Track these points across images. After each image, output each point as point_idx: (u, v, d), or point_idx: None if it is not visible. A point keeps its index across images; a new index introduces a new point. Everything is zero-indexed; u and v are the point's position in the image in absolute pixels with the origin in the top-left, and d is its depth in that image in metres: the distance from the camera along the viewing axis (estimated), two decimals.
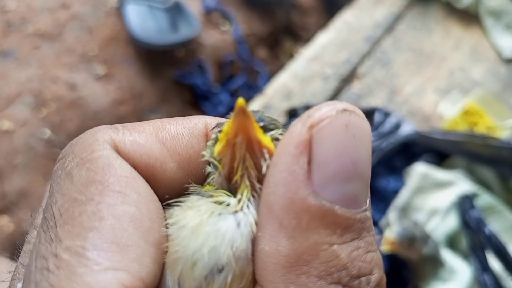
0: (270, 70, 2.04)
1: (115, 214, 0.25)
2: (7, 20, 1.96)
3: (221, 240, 0.26)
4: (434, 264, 1.04)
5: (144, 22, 1.87)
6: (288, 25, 2.25)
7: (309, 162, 0.23)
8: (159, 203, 0.29)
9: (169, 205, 0.29)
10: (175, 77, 1.94)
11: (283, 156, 0.24)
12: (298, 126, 0.24)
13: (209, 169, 0.31)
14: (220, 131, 0.29)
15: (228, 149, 0.28)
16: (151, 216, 0.27)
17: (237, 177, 0.28)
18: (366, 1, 1.57)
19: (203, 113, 1.95)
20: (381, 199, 1.12)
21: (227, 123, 0.28)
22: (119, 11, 1.97)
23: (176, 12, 1.91)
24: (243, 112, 0.26)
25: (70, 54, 1.91)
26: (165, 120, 0.32)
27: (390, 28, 1.50)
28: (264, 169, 0.27)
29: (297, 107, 1.20)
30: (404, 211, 1.10)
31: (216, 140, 0.29)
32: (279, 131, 0.30)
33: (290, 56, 2.12)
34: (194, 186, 0.31)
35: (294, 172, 0.23)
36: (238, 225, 0.26)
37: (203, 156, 0.31)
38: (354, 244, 0.24)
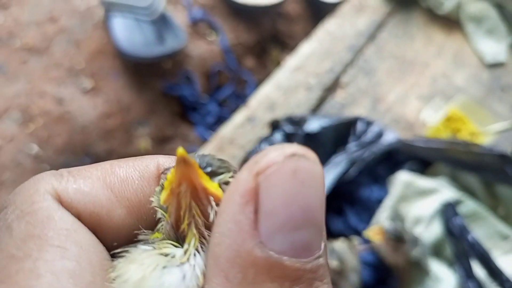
0: (258, 79, 2.04)
1: (53, 271, 0.24)
2: None
3: None
4: (420, 271, 1.05)
5: (130, 34, 1.87)
6: (274, 34, 2.26)
7: (256, 212, 0.22)
8: (104, 254, 0.28)
9: (116, 255, 0.28)
10: (162, 89, 1.94)
11: (229, 205, 0.23)
12: (245, 173, 0.23)
13: (159, 214, 0.30)
14: (165, 179, 0.28)
15: (173, 198, 0.27)
16: (93, 269, 0.26)
17: (184, 226, 0.27)
18: (348, 9, 1.57)
19: (192, 123, 1.96)
20: (365, 208, 1.12)
21: (171, 171, 0.27)
22: (105, 24, 1.97)
23: (162, 24, 1.92)
24: (184, 161, 0.25)
25: (58, 68, 1.91)
26: (115, 162, 0.31)
27: (372, 36, 1.51)
28: (211, 216, 0.27)
29: (280, 119, 1.21)
30: (389, 220, 1.10)
31: (163, 186, 0.28)
32: (229, 174, 0.28)
33: (278, 64, 2.12)
34: (144, 232, 0.30)
35: (240, 223, 0.22)
36: (184, 277, 0.25)
37: (151, 202, 0.30)
38: None
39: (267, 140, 1.14)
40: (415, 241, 1.02)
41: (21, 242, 0.25)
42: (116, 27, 1.87)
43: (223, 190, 0.27)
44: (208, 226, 0.27)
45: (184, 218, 0.27)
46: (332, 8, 1.64)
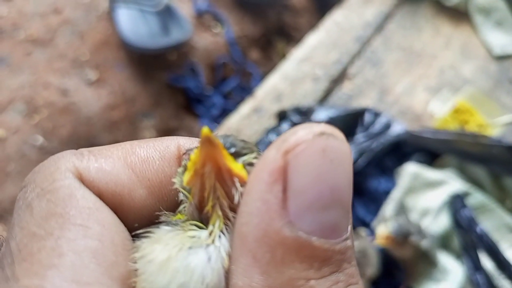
0: (263, 72, 2.03)
1: (76, 250, 0.24)
2: None
3: (190, 276, 0.24)
4: (427, 263, 1.04)
5: (135, 26, 1.86)
6: (280, 26, 2.25)
7: (284, 191, 0.22)
8: (126, 234, 0.27)
9: (138, 235, 0.28)
10: (167, 80, 1.93)
11: (256, 184, 0.23)
12: (273, 151, 0.22)
13: (181, 196, 0.29)
14: (190, 158, 0.28)
15: (197, 179, 0.27)
16: (116, 249, 0.25)
17: (208, 208, 0.27)
18: (355, 1, 1.56)
19: (196, 116, 1.95)
20: (372, 200, 1.12)
21: (195, 151, 0.27)
22: (110, 15, 1.96)
23: (167, 16, 1.91)
24: (209, 141, 0.25)
25: (62, 60, 1.90)
26: (135, 142, 0.30)
27: (380, 27, 1.50)
28: (236, 198, 0.26)
29: (287, 109, 1.20)
30: (397, 211, 1.10)
31: (186, 167, 0.28)
32: (253, 155, 0.28)
33: (283, 56, 2.11)
34: (165, 214, 0.29)
35: (268, 201, 0.22)
36: (209, 259, 0.25)
37: (173, 183, 0.29)
38: (333, 278, 0.22)
39: (274, 130, 1.14)
40: (422, 232, 1.01)
41: (42, 221, 0.25)
42: (121, 18, 1.87)
43: (247, 172, 0.27)
44: (233, 208, 0.26)
45: (208, 200, 0.27)
46: (337, 1, 1.63)
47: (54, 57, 1.91)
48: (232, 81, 2.02)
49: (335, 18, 1.52)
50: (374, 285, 1.02)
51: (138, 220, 0.29)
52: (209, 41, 2.05)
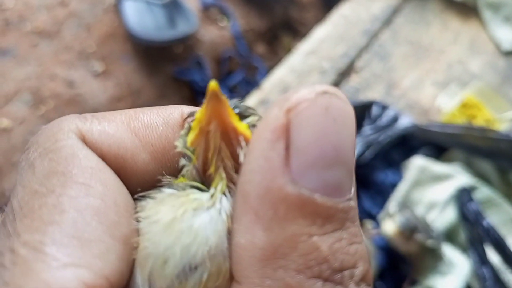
0: (269, 66, 2.03)
1: (78, 207, 0.24)
2: (5, 18, 1.96)
3: (193, 237, 0.24)
4: (433, 257, 1.04)
5: (141, 18, 1.86)
6: (286, 20, 2.24)
7: (287, 148, 0.22)
8: (129, 196, 0.27)
9: (140, 198, 0.27)
10: (173, 73, 1.94)
11: (259, 142, 0.23)
12: (275, 110, 0.22)
13: (183, 161, 0.29)
14: (193, 120, 0.27)
15: (202, 138, 0.26)
16: (118, 209, 0.25)
17: (211, 170, 0.27)
18: None
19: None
20: (379, 192, 1.11)
21: (200, 110, 0.26)
22: (116, 7, 1.96)
23: (173, 8, 1.91)
24: (216, 96, 0.24)
25: (68, 52, 1.90)
26: (139, 109, 0.30)
27: (388, 21, 1.50)
28: (241, 158, 0.26)
29: None
30: (403, 204, 1.09)
31: (189, 129, 0.28)
32: (256, 117, 0.28)
33: (289, 51, 2.10)
34: (167, 178, 0.29)
35: (271, 159, 0.22)
36: (212, 220, 0.25)
37: (176, 147, 0.29)
38: (336, 235, 0.22)
39: None
40: (428, 230, 1.01)
41: (44, 178, 0.25)
42: (127, 11, 1.87)
43: (252, 133, 0.26)
44: (237, 170, 0.26)
45: (212, 161, 0.26)
46: None
47: (60, 49, 1.91)
48: (237, 75, 2.01)
49: (342, 12, 1.51)
50: (380, 278, 1.02)
51: (140, 184, 0.28)
52: (215, 35, 2.05)
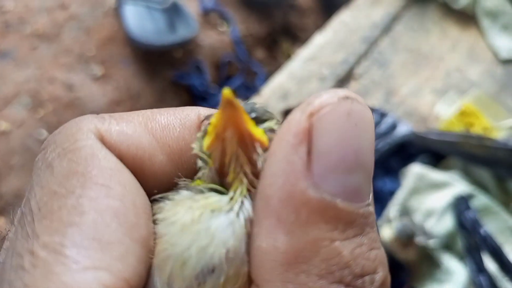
0: (268, 71, 2.04)
1: (98, 209, 0.24)
2: (5, 20, 1.96)
3: (211, 239, 0.24)
4: (431, 264, 1.04)
5: (141, 22, 1.87)
6: (285, 26, 2.25)
7: (309, 152, 0.22)
8: (146, 198, 0.27)
9: (157, 200, 0.27)
10: (172, 77, 1.94)
11: (281, 145, 0.23)
12: (297, 114, 0.23)
13: (199, 163, 0.29)
14: (209, 124, 0.27)
15: (218, 143, 0.26)
16: (137, 211, 0.25)
17: (230, 175, 0.27)
18: (363, 1, 1.56)
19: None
20: (377, 200, 1.12)
21: (215, 115, 0.26)
22: (117, 11, 1.97)
23: (174, 13, 1.91)
24: (231, 104, 0.24)
25: (68, 55, 1.90)
26: (156, 110, 0.30)
27: (387, 28, 1.50)
28: (259, 164, 0.26)
29: (293, 106, 1.20)
30: (401, 212, 1.10)
31: (206, 132, 0.28)
32: (273, 121, 0.28)
33: (288, 56, 2.11)
34: (184, 180, 0.29)
35: (293, 163, 0.22)
36: (231, 223, 0.25)
37: (192, 149, 0.29)
38: (357, 241, 0.22)
39: None
40: (427, 233, 1.01)
41: (63, 179, 0.25)
42: (127, 15, 1.87)
43: (268, 138, 0.26)
44: (256, 174, 0.26)
45: (230, 166, 0.26)
46: (343, 1, 1.63)
47: (60, 52, 1.91)
48: (236, 80, 2.02)
49: (342, 19, 1.52)
50: None
51: (157, 186, 0.28)
52: (215, 39, 2.05)
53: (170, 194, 0.27)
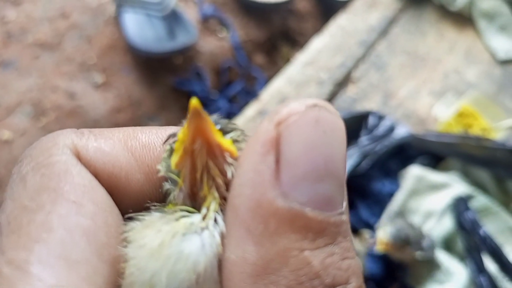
0: (268, 76, 2.04)
1: (67, 226, 0.23)
2: (7, 30, 1.98)
3: (183, 264, 0.23)
4: (431, 265, 1.05)
5: (141, 30, 1.88)
6: (285, 31, 2.26)
7: (277, 161, 0.21)
8: (119, 217, 0.27)
9: (129, 221, 0.26)
10: (173, 84, 1.95)
11: (249, 155, 0.22)
12: (265, 123, 0.22)
13: (166, 185, 0.28)
14: (174, 141, 0.26)
15: (187, 159, 0.25)
16: (109, 230, 0.25)
17: (204, 191, 0.26)
18: (360, 5, 1.57)
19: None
20: (376, 202, 1.12)
21: (182, 130, 0.26)
22: (117, 20, 1.99)
23: (173, 20, 1.93)
24: (198, 114, 0.24)
25: (69, 63, 1.92)
26: (138, 128, 0.30)
27: (384, 32, 1.51)
28: (229, 174, 0.25)
29: None
30: (400, 214, 1.10)
31: (171, 151, 0.27)
32: (238, 132, 0.27)
33: (288, 61, 2.12)
34: (156, 205, 0.28)
35: (261, 172, 0.21)
36: (203, 246, 0.24)
37: (158, 171, 0.28)
38: (328, 250, 0.22)
39: None
40: (420, 241, 1.01)
41: (35, 194, 0.24)
42: (127, 23, 1.89)
43: (236, 148, 0.26)
44: (227, 187, 0.25)
45: (202, 181, 0.26)
46: (342, 5, 1.64)
47: (61, 61, 1.93)
48: (237, 85, 2.03)
49: (339, 22, 1.53)
50: (377, 286, 1.02)
51: (132, 205, 0.28)
52: (215, 46, 2.07)
53: (142, 215, 0.26)
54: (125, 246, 0.25)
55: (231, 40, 2.09)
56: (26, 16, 2.03)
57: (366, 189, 1.13)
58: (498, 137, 1.24)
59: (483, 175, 1.17)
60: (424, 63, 1.46)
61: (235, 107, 1.97)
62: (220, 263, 0.24)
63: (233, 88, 2.02)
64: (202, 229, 0.24)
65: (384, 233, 1.00)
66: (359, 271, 0.23)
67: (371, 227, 1.09)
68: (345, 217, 0.23)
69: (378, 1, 1.57)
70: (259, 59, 2.15)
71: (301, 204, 0.21)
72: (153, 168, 0.28)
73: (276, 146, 0.21)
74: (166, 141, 0.28)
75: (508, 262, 1.00)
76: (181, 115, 1.94)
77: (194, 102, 0.24)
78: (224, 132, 0.27)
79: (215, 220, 0.25)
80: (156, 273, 0.23)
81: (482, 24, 1.54)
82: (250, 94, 2.00)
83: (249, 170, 0.22)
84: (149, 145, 0.29)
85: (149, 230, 0.25)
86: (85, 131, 0.28)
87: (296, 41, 2.26)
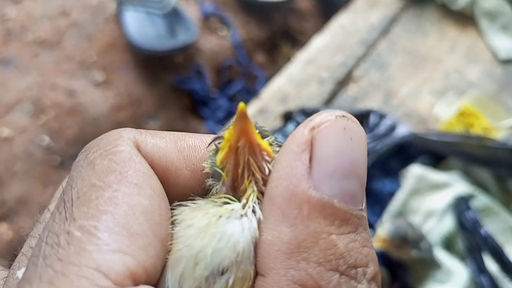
0: (268, 75, 2.04)
1: (130, 203, 0.27)
2: (7, 28, 1.97)
3: (225, 243, 0.27)
4: (431, 265, 1.04)
5: (142, 28, 1.88)
6: (285, 30, 2.26)
7: (311, 159, 0.25)
8: (168, 204, 0.31)
9: (175, 208, 0.30)
10: (173, 82, 1.95)
11: (286, 154, 0.26)
12: (301, 128, 0.26)
13: (209, 181, 0.32)
14: (219, 143, 0.31)
15: (231, 155, 0.29)
16: (161, 212, 0.29)
17: (244, 185, 0.29)
18: (361, 4, 1.57)
19: (202, 118, 1.96)
20: (377, 201, 1.12)
21: (227, 131, 0.29)
22: (117, 18, 1.98)
23: (174, 18, 1.92)
24: (245, 116, 0.27)
25: (69, 61, 1.92)
26: (186, 133, 0.34)
27: (385, 31, 1.51)
28: (266, 170, 0.29)
29: (292, 110, 1.20)
30: (400, 213, 1.10)
31: (217, 150, 0.31)
32: (272, 138, 0.31)
33: (288, 60, 2.12)
34: (199, 198, 0.31)
35: (297, 167, 0.25)
36: (243, 229, 0.27)
37: (203, 168, 0.32)
38: (351, 237, 0.25)
39: (280, 131, 1.14)
40: (419, 241, 1.01)
41: (103, 175, 0.28)
42: (128, 21, 1.88)
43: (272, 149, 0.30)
44: (264, 181, 0.29)
45: (243, 175, 0.29)
46: (343, 4, 1.64)
47: (61, 59, 1.92)
48: (237, 84, 2.03)
49: (340, 21, 1.52)
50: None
51: (178, 197, 0.32)
52: (215, 44, 2.06)
53: (187, 203, 0.30)
54: (174, 226, 0.29)
55: (232, 39, 2.09)
56: (26, 14, 2.03)
57: (367, 188, 1.12)
58: (499, 137, 1.24)
59: (484, 174, 1.17)
60: (425, 62, 1.46)
61: (235, 106, 1.96)
62: (256, 246, 0.27)
63: (234, 86, 2.02)
64: (242, 215, 0.28)
65: (382, 231, 1.01)
66: (376, 260, 0.27)
67: (371, 226, 1.09)
68: (365, 214, 0.27)
69: (379, 0, 1.57)
70: (259, 57, 2.15)
71: (330, 196, 0.25)
72: (198, 166, 0.33)
73: (310, 147, 0.26)
74: (212, 141, 0.33)
75: (509, 262, 1.00)
76: (181, 114, 1.94)
77: (242, 106, 0.27)
78: (262, 136, 0.31)
79: (253, 210, 0.28)
80: (202, 249, 0.27)
81: (483, 23, 1.53)
82: (250, 92, 1.99)
83: (286, 166, 0.26)
84: (195, 147, 0.33)
85: (197, 212, 0.29)
86: (143, 131, 0.33)
87: (296, 40, 2.26)
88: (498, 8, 1.53)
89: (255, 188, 0.29)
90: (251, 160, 0.29)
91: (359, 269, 0.25)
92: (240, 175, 0.29)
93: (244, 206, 0.28)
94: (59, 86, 1.83)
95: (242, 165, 0.29)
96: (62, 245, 0.25)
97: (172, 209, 0.30)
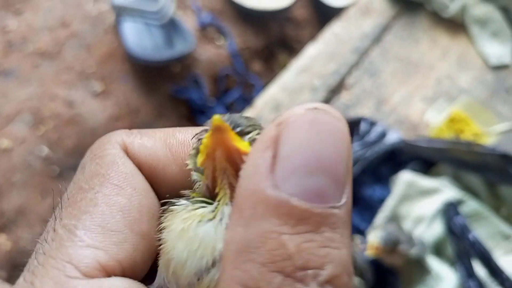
0: (265, 83, 2.06)
1: (108, 203, 0.30)
2: (8, 40, 2.00)
3: (199, 244, 0.29)
4: (421, 270, 1.05)
5: (140, 38, 1.91)
6: (282, 38, 2.28)
7: (274, 157, 0.24)
8: (155, 200, 0.33)
9: (166, 203, 0.33)
10: (171, 92, 1.97)
11: (252, 153, 0.25)
12: (269, 125, 0.25)
13: (194, 175, 0.33)
14: (200, 143, 0.31)
15: (209, 161, 0.30)
16: (142, 209, 0.31)
17: (218, 188, 0.31)
18: (354, 12, 1.59)
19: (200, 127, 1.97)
20: (367, 208, 1.13)
21: (206, 136, 0.30)
22: (116, 28, 2.01)
23: (171, 28, 1.95)
24: (218, 129, 0.28)
25: (69, 72, 1.94)
26: (177, 128, 0.36)
27: (377, 39, 1.53)
28: None
29: None
30: (391, 219, 1.11)
31: (198, 150, 0.31)
32: (256, 132, 0.31)
33: (285, 68, 2.14)
34: (187, 191, 0.34)
35: (258, 166, 0.24)
36: (214, 231, 0.29)
37: (187, 164, 0.34)
38: (307, 236, 0.24)
39: None
40: (412, 240, 1.02)
41: (89, 178, 0.31)
42: (126, 31, 1.91)
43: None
44: None
45: (219, 180, 0.31)
46: (338, 13, 1.66)
47: (61, 70, 1.95)
48: (234, 93, 2.05)
49: (333, 30, 1.54)
50: None
51: (169, 191, 0.34)
52: (212, 53, 2.09)
53: (175, 201, 0.33)
54: (161, 232, 0.31)
55: (229, 48, 2.11)
56: (27, 25, 2.06)
57: (357, 195, 1.14)
58: (489, 142, 1.25)
59: (474, 180, 1.18)
60: (417, 69, 1.48)
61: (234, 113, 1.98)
62: None
63: (231, 95, 2.04)
64: (211, 219, 0.30)
65: (374, 238, 1.01)
66: (342, 262, 0.24)
67: (362, 232, 1.10)
68: (339, 211, 0.24)
69: (372, 9, 1.59)
70: (256, 66, 2.17)
71: (290, 195, 0.23)
72: (186, 161, 0.34)
73: (275, 143, 0.24)
74: (193, 137, 0.34)
75: (497, 266, 1.01)
76: (178, 123, 1.96)
77: (216, 118, 0.28)
78: (243, 133, 0.31)
79: (223, 211, 0.30)
80: (183, 251, 0.29)
81: (474, 30, 1.55)
82: (247, 101, 2.01)
83: (249, 165, 0.25)
84: (184, 142, 0.35)
85: (176, 218, 0.31)
86: (134, 131, 0.35)
87: (293, 49, 2.28)
88: (489, 15, 1.55)
89: (227, 192, 0.30)
90: (227, 166, 0.30)
91: (310, 271, 0.23)
92: (218, 178, 0.31)
93: (215, 208, 0.30)
94: (58, 97, 1.86)
95: (219, 171, 0.30)
96: (48, 241, 0.29)
97: (163, 204, 0.33)
